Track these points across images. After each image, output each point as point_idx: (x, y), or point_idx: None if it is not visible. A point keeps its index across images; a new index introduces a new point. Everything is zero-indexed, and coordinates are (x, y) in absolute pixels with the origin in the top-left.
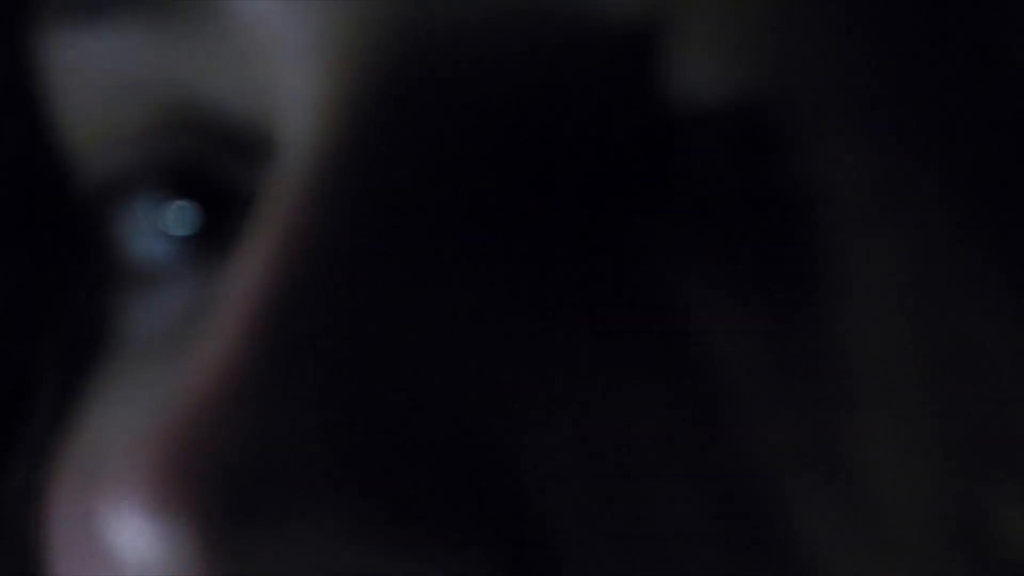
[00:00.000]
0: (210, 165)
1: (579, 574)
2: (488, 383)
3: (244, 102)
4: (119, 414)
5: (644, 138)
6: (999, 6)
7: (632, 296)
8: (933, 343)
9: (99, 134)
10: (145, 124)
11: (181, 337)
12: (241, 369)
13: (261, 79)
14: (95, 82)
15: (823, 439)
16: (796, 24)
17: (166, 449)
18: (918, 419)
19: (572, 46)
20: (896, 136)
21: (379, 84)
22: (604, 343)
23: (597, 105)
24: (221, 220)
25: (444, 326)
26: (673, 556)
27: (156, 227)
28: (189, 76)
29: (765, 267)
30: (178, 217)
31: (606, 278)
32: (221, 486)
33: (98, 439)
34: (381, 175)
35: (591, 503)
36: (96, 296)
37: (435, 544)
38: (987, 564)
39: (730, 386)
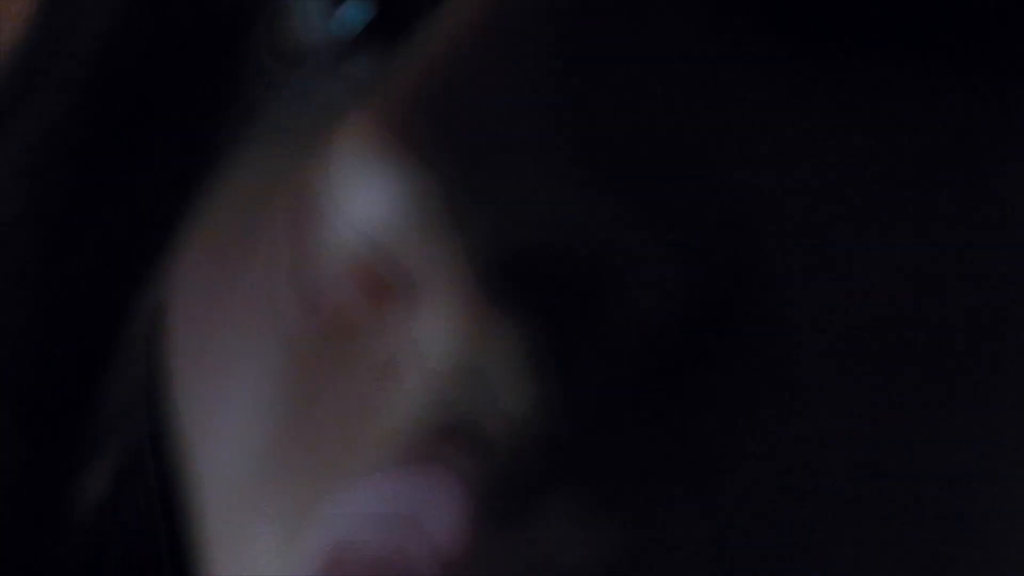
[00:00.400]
0: None
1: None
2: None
3: None
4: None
5: None
6: None
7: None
8: None
9: None
10: None
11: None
12: (480, 33)
13: None
14: None
15: None
16: None
17: (404, 102)
18: None
19: None
20: None
21: None
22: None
23: None
24: (392, 10)
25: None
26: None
27: (328, 17)
28: None
29: None
30: (352, 9)
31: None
32: (459, 131)
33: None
34: None
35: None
36: (263, 81)
37: (648, 222)
38: None
39: None
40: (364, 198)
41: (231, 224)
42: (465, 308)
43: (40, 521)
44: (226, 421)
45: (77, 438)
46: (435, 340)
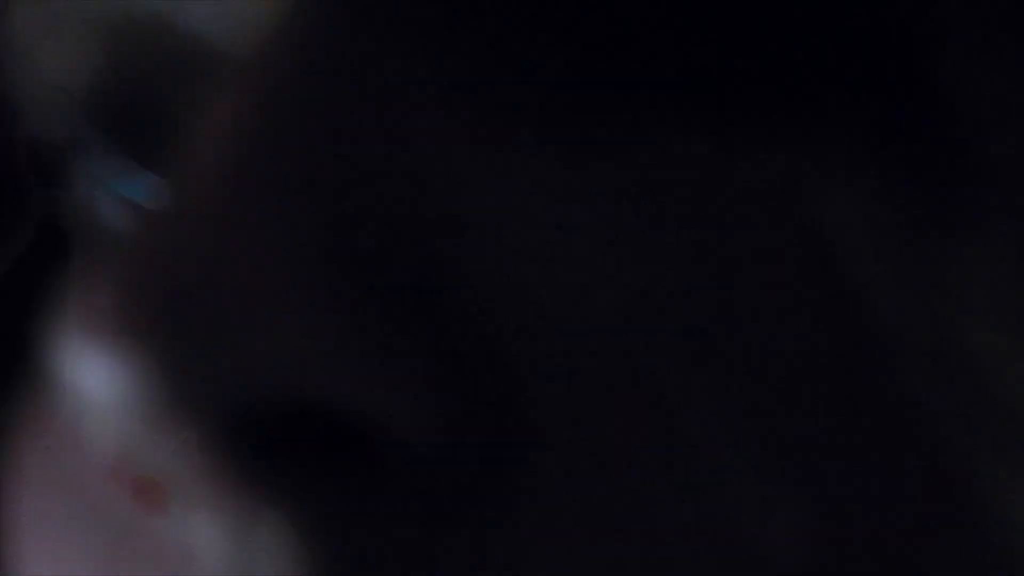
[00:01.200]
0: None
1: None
2: (464, 222)
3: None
4: None
5: None
6: None
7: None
8: None
9: (55, 75)
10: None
11: None
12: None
13: None
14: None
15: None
16: None
17: (119, 278)
18: None
19: None
20: None
21: None
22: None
23: None
24: None
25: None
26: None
27: (118, 195)
28: None
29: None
30: (140, 186)
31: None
32: (174, 302)
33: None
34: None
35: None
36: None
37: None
38: None
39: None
40: (93, 391)
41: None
42: (221, 497)
43: None
44: None
45: None
46: (203, 539)
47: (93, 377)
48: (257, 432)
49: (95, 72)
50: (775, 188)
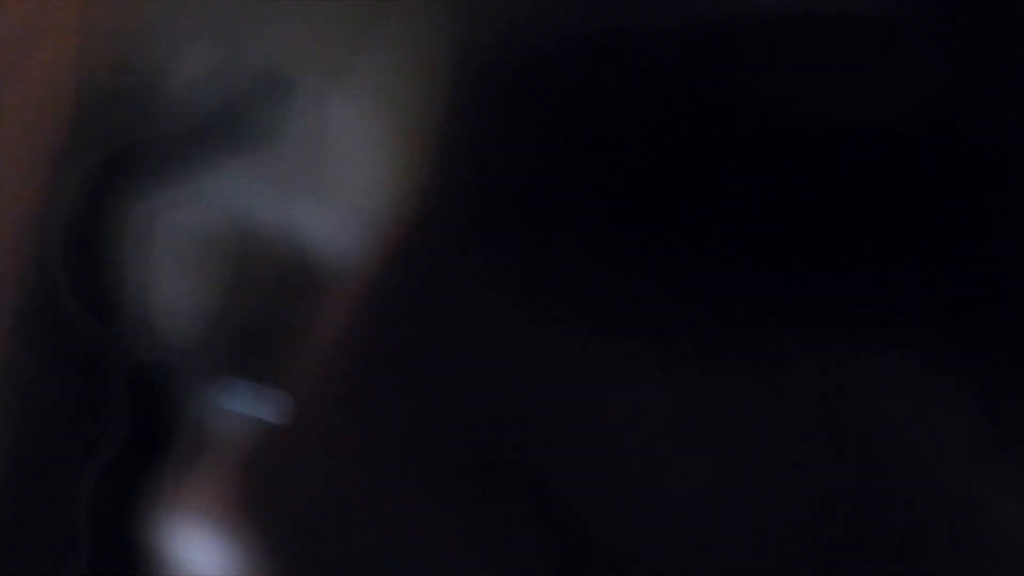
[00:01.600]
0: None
1: None
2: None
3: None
4: None
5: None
6: None
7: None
8: None
9: (175, 300)
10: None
11: None
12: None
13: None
14: (176, 238)
15: None
16: None
17: (236, 466)
18: None
19: None
20: None
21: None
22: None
23: None
24: None
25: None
26: None
27: (233, 407)
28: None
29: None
30: (250, 398)
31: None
32: (290, 495)
33: None
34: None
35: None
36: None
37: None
38: None
39: None
40: (200, 572)
41: None
42: None
43: None
44: None
45: None
46: None
47: (200, 559)
48: None
49: (209, 290)
50: (896, 386)
